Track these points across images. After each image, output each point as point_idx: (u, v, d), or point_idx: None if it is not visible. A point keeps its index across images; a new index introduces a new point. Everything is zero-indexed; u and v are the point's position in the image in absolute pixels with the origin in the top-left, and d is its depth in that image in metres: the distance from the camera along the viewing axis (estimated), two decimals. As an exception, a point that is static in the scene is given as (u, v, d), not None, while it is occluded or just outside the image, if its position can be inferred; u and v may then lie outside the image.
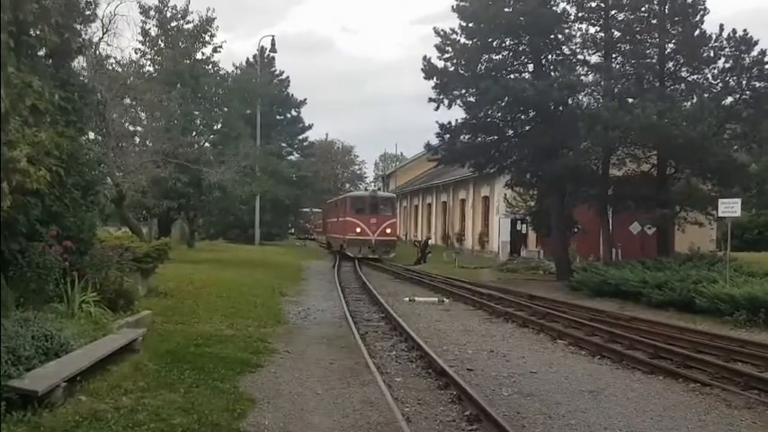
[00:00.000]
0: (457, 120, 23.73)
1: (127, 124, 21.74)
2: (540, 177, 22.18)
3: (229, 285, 17.06)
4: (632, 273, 18.93)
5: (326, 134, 78.50)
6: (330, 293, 18.90)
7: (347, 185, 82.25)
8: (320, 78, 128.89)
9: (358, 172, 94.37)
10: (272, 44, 43.66)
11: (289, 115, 52.02)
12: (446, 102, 22.86)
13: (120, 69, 17.62)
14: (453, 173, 48.85)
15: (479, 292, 19.73)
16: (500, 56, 22.58)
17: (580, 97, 21.37)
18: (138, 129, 23.01)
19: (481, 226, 41.62)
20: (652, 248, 27.56)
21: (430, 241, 43.48)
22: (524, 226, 36.42)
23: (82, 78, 11.25)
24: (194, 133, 25.58)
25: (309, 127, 53.70)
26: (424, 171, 65.27)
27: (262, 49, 46.42)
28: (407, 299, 17.94)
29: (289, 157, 51.13)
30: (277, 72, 49.96)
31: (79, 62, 14.72)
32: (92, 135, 21.13)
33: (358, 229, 33.68)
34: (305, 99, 52.41)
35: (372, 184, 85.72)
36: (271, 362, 8.78)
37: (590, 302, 18.02)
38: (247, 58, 46.93)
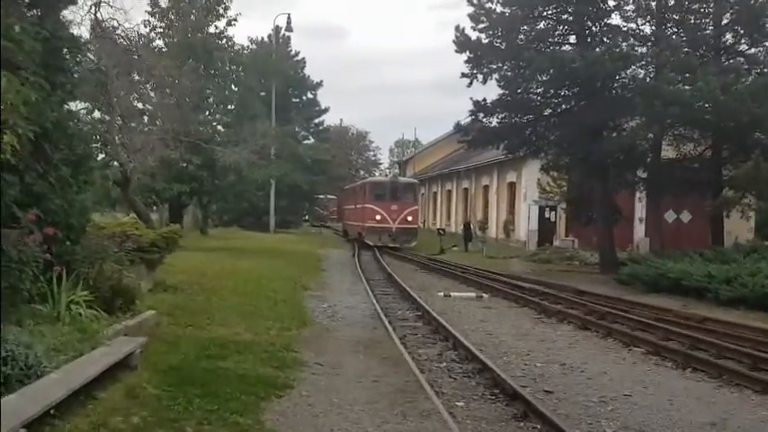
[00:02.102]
0: (485, 99, 21.82)
1: (135, 102, 20.06)
2: (584, 160, 20.19)
3: (245, 277, 15.37)
4: (692, 265, 17.05)
5: (341, 119, 76.53)
6: (355, 286, 17.17)
7: (361, 172, 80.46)
8: (332, 65, 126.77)
9: (373, 158, 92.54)
10: (288, 22, 41.77)
11: (304, 98, 50.08)
12: (480, 77, 20.89)
13: (124, 36, 15.82)
14: (475, 158, 46.84)
15: (519, 286, 17.91)
16: (541, 25, 20.51)
17: (633, 70, 19.26)
18: (148, 107, 21.26)
19: (506, 213, 39.69)
20: (687, 238, 25.57)
21: (448, 228, 41.54)
22: (553, 213, 34.53)
23: (77, 36, 9.46)
24: (207, 113, 23.78)
25: (326, 110, 51.76)
26: (443, 157, 63.22)
27: (277, 28, 44.62)
28: (442, 294, 16.17)
29: (304, 142, 49.30)
30: (293, 53, 48.04)
31: (75, 22, 13.01)
32: (97, 114, 19.56)
33: (378, 217, 31.91)
34: (321, 81, 50.51)
35: (387, 171, 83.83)
36: (301, 380, 7.03)
37: (647, 299, 16.15)
38: (261, 38, 44.99)
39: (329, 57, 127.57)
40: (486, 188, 43.55)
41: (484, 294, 16.21)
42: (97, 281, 8.43)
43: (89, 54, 14.09)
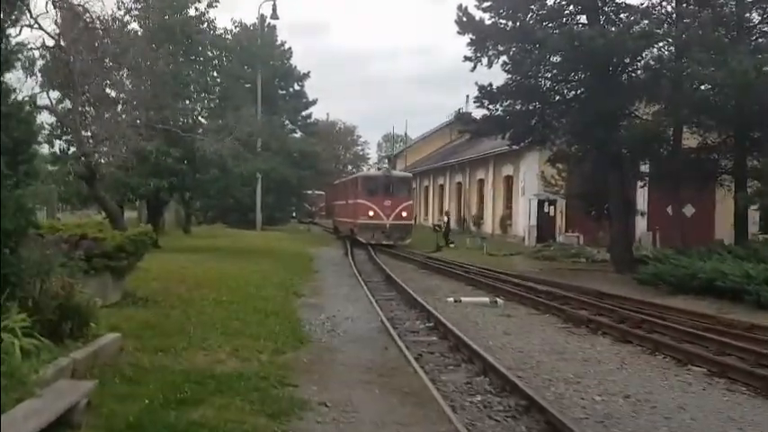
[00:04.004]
0: (491, 84, 20.07)
1: (107, 88, 18.14)
2: (599, 149, 18.56)
3: (231, 284, 13.57)
4: (724, 264, 15.51)
5: (327, 114, 74.52)
6: (354, 291, 15.44)
7: (349, 167, 78.80)
8: (316, 61, 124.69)
9: (360, 153, 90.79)
10: (274, 10, 39.80)
11: (291, 89, 47.99)
12: (485, 60, 19.16)
13: (92, 15, 13.94)
14: (469, 151, 45.25)
15: (533, 288, 16.28)
16: (550, 2, 18.77)
17: (652, 50, 17.57)
18: (122, 96, 19.30)
19: (503, 208, 38.11)
20: (690, 232, 24.12)
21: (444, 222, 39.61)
22: (552, 208, 33.06)
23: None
24: (187, 101, 21.82)
25: (314, 102, 49.57)
26: (433, 151, 61.58)
27: (262, 17, 42.58)
28: (451, 299, 14.45)
29: (291, 135, 47.29)
30: (279, 42, 45.94)
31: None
32: (69, 103, 17.55)
33: (371, 213, 30.18)
34: (308, 72, 48.38)
35: (375, 166, 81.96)
36: (304, 434, 5.30)
37: (677, 302, 14.62)
38: (245, 24, 42.83)
39: (311, 52, 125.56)
40: (482, 182, 41.97)
41: (498, 299, 14.52)
42: (40, 300, 6.65)
43: (45, 26, 12.28)
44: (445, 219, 34.62)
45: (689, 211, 30.30)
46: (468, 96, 63.11)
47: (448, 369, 8.43)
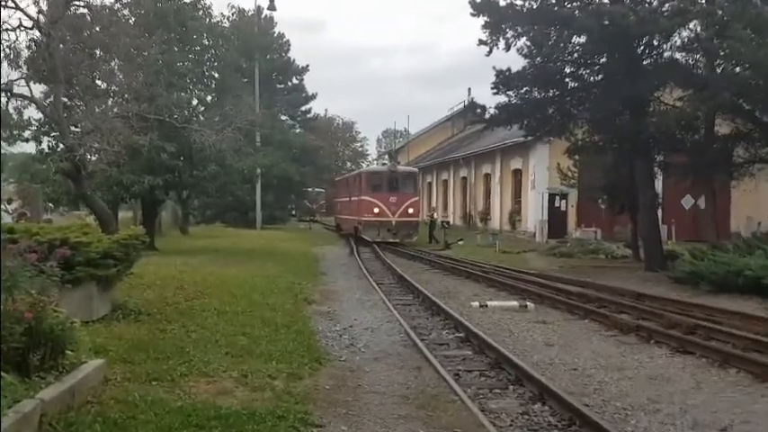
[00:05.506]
0: (510, 69, 18.74)
1: (98, 80, 16.82)
2: (627, 138, 17.27)
3: (234, 290, 12.28)
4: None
5: (326, 110, 73.11)
6: (367, 295, 14.15)
7: (348, 164, 77.59)
8: (313, 58, 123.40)
9: (359, 149, 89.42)
10: (271, 0, 38.44)
11: (290, 83, 46.58)
12: (501, 44, 17.84)
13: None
14: (474, 144, 44.01)
15: (562, 290, 14.97)
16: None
17: (685, 31, 16.25)
18: (113, 88, 17.94)
19: (511, 203, 36.80)
20: (705, 225, 22.97)
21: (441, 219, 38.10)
22: (563, 202, 31.87)
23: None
24: (183, 93, 20.49)
25: (313, 97, 48.14)
26: (435, 146, 60.31)
27: (258, 9, 41.24)
28: (477, 303, 13.15)
29: (291, 130, 45.90)
30: (276, 34, 44.54)
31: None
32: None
33: (376, 210, 28.96)
34: (307, 65, 46.97)
35: (375, 162, 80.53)
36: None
37: (720, 302, 13.36)
38: (242, 9, 41.44)
39: (308, 49, 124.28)
40: (488, 176, 40.64)
41: (528, 303, 13.24)
42: (2, 325, 5.35)
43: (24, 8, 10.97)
44: (434, 215, 33.51)
45: (703, 203, 29.20)
46: (469, 89, 61.69)
47: (494, 393, 7.15)
